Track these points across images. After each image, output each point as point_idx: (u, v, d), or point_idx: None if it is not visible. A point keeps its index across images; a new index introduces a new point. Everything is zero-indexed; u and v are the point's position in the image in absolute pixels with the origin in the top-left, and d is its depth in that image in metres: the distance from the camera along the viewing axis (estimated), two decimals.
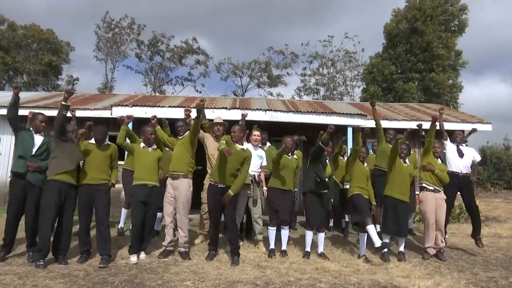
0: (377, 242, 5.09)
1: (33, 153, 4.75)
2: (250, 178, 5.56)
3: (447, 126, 9.90)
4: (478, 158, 6.25)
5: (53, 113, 9.17)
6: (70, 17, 47.37)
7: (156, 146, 5.22)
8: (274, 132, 7.83)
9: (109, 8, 49.45)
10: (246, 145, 5.51)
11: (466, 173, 6.03)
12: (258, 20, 51.13)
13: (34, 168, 4.67)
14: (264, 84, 30.18)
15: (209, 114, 8.16)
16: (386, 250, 5.34)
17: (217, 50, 51.49)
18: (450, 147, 6.18)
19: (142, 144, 5.18)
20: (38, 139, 4.85)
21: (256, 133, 5.85)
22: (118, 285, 3.95)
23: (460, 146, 6.17)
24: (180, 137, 5.35)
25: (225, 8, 49.88)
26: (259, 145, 6.03)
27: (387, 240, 5.35)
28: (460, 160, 6.04)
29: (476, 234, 5.94)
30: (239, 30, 52.44)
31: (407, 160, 5.54)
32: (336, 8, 51.50)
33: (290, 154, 5.52)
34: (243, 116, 6.20)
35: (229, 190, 4.84)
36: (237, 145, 5.03)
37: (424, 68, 21.97)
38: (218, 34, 51.28)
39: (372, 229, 5.14)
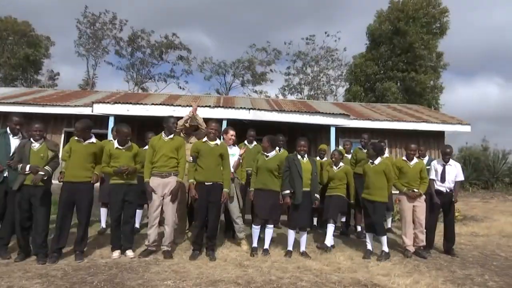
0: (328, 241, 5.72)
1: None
2: None
3: (428, 127, 10.13)
4: (460, 177, 5.92)
5: (32, 109, 9.12)
6: (52, 9, 46.38)
7: (130, 145, 5.09)
8: (258, 131, 7.81)
9: (103, 3, 48.56)
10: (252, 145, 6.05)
11: (449, 191, 5.84)
12: (259, 19, 51.21)
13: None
14: (248, 82, 30.18)
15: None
16: (370, 249, 5.48)
17: (218, 47, 51.14)
18: (434, 167, 5.98)
19: (116, 144, 5.02)
20: (14, 142, 4.80)
21: (231, 132, 5.83)
22: (97, 285, 3.88)
23: (447, 167, 5.87)
24: (170, 137, 5.10)
25: (226, 5, 49.75)
26: (246, 143, 6.37)
27: (368, 240, 5.55)
28: (441, 183, 5.87)
29: (448, 248, 5.89)
30: (240, 28, 52.46)
31: (376, 161, 5.56)
32: (343, 9, 52.06)
33: (267, 153, 5.46)
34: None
35: (224, 189, 5.05)
36: (210, 142, 5.11)
37: (406, 69, 22.30)
38: (220, 32, 51.27)
39: (329, 227, 5.83)
